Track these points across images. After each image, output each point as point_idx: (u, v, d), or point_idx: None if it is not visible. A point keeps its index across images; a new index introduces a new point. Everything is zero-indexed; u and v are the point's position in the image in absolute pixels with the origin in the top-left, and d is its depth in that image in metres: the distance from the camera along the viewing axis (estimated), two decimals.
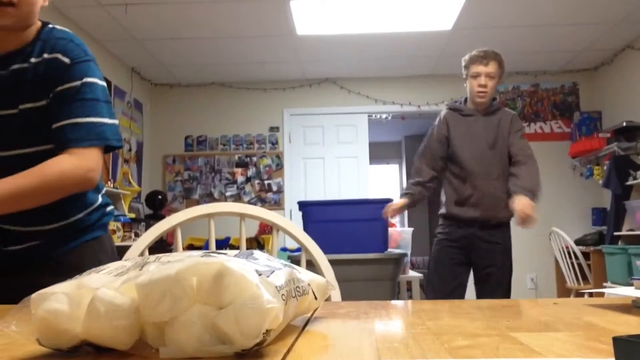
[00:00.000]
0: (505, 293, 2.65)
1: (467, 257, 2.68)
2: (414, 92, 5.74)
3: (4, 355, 0.53)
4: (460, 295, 2.69)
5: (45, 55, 1.21)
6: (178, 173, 5.78)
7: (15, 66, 1.21)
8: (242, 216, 1.31)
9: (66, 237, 1.31)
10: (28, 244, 1.28)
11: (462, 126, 2.70)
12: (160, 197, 5.26)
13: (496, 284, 2.64)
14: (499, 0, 4.01)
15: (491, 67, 2.62)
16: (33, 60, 1.21)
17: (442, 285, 2.68)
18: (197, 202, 5.65)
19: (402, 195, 2.74)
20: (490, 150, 2.64)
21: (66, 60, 1.21)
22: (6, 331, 0.50)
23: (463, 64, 2.73)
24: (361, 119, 5.76)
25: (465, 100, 2.78)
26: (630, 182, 4.46)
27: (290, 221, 1.36)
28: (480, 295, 2.69)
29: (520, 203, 2.40)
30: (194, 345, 0.48)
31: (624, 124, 4.68)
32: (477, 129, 2.67)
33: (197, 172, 5.77)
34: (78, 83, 1.20)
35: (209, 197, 5.71)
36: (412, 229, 3.54)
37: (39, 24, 1.26)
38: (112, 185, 4.22)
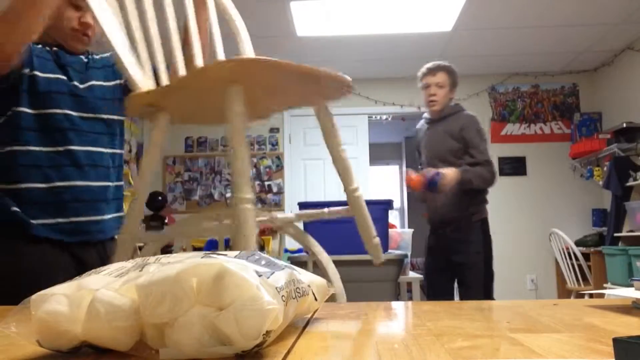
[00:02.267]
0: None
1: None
2: (414, 93, 5.71)
3: (3, 357, 0.53)
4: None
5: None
6: (178, 174, 5.78)
7: (94, 82, 1.50)
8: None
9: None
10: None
11: (421, 133, 3.02)
12: (160, 198, 5.26)
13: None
14: (499, 1, 4.01)
15: (439, 77, 2.83)
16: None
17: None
18: (197, 204, 5.65)
19: None
20: (438, 155, 2.84)
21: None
22: (6, 332, 0.50)
23: (418, 78, 2.95)
24: (361, 120, 5.76)
25: None
26: (630, 183, 4.46)
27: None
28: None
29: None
30: (194, 347, 0.48)
31: (624, 125, 4.68)
32: (431, 136, 2.92)
33: (198, 173, 5.77)
34: None
35: (209, 198, 5.71)
36: (412, 230, 3.54)
37: None
38: None
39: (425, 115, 3.04)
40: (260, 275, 0.51)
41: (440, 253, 2.88)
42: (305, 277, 0.66)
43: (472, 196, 2.77)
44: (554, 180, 5.50)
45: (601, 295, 3.14)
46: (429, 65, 2.90)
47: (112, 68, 1.52)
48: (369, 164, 5.82)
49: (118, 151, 1.52)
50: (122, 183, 1.53)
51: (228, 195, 5.73)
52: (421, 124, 3.07)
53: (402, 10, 4.16)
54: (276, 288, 0.51)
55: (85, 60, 1.49)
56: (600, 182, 5.01)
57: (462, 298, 2.83)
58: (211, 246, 4.42)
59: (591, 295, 3.96)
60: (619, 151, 4.71)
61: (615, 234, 4.54)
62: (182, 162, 5.80)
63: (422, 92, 2.93)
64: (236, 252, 0.58)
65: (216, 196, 5.72)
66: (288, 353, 0.52)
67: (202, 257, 0.52)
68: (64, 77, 1.40)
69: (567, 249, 4.66)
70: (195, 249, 4.87)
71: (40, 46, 1.39)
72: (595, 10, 4.19)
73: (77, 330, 0.49)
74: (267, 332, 0.48)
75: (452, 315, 0.79)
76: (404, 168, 8.63)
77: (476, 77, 5.65)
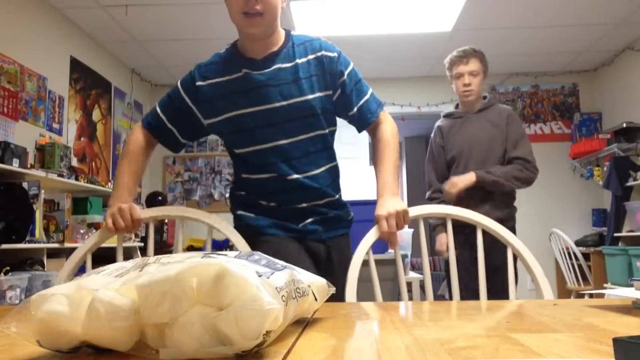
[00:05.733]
0: None
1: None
2: (414, 93, 5.74)
3: (4, 356, 0.53)
4: None
5: (311, 56, 1.46)
6: (178, 174, 5.78)
7: (281, 65, 1.44)
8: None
9: (332, 222, 1.53)
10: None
11: (455, 129, 2.70)
12: (160, 198, 5.26)
13: None
14: (499, 1, 4.01)
15: (472, 65, 2.61)
16: (298, 61, 1.45)
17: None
18: (197, 204, 5.65)
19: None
20: (485, 148, 2.60)
21: (333, 54, 1.49)
22: (6, 332, 0.50)
23: (446, 66, 2.71)
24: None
25: (457, 105, 2.79)
26: (630, 183, 4.46)
27: None
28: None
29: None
30: (193, 346, 0.48)
31: (624, 125, 4.68)
32: (470, 129, 2.64)
33: (197, 173, 5.77)
34: (350, 69, 1.53)
35: (209, 198, 5.71)
36: (412, 230, 3.53)
37: (281, 30, 1.49)
38: (112, 187, 4.22)
39: (453, 110, 2.77)
40: (260, 276, 0.51)
41: (470, 255, 2.51)
42: (305, 277, 0.66)
43: (508, 198, 2.60)
44: (554, 180, 5.50)
45: (601, 295, 3.14)
46: (458, 52, 2.65)
47: None
48: (369, 164, 5.81)
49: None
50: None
51: (228, 195, 5.72)
52: (446, 122, 2.76)
53: (402, 10, 4.16)
54: (276, 288, 0.51)
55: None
56: (600, 182, 5.01)
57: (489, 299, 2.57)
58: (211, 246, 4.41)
59: (591, 295, 3.96)
60: (619, 151, 4.71)
61: (615, 234, 4.54)
62: (182, 162, 5.80)
63: (452, 82, 2.68)
64: (236, 252, 0.58)
65: (216, 196, 5.72)
66: (288, 353, 0.52)
67: (202, 258, 0.52)
68: None
69: (567, 249, 4.66)
70: (195, 249, 4.87)
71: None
72: (595, 10, 4.19)
73: (77, 330, 0.49)
74: (267, 332, 0.48)
75: (451, 315, 0.79)
76: (405, 168, 8.63)
77: None
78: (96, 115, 4.64)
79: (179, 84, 1.54)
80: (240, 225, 1.49)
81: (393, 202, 1.43)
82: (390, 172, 1.51)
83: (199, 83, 1.48)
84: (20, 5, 3.58)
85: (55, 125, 3.94)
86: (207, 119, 1.49)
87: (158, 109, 1.56)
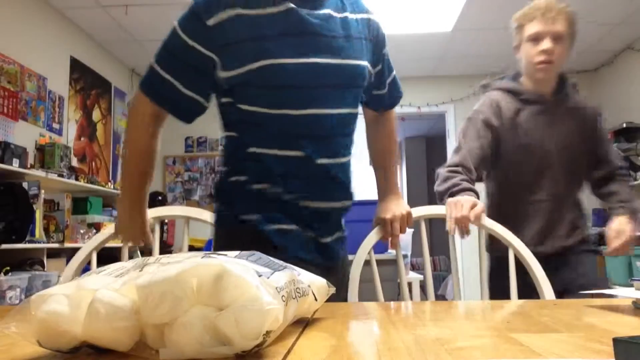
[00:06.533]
0: None
1: None
2: (414, 93, 5.74)
3: (4, 357, 0.53)
4: None
5: (360, 15, 1.19)
6: (178, 174, 5.78)
7: (332, 12, 1.12)
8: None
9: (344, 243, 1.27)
10: (336, 235, 1.21)
11: (524, 117, 1.73)
12: (160, 198, 5.26)
13: None
14: (499, 1, 4.01)
15: (559, 25, 1.64)
16: (349, 15, 1.15)
17: None
18: (197, 203, 5.65)
19: (461, 191, 1.60)
20: (575, 157, 1.76)
21: (378, 21, 1.24)
22: (6, 332, 0.50)
23: (514, 25, 1.75)
24: (361, 120, 5.74)
25: (517, 77, 1.81)
26: (630, 183, 4.46)
27: None
28: None
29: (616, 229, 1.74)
30: (193, 347, 0.48)
31: (624, 125, 4.68)
32: (556, 125, 1.73)
33: (197, 173, 5.77)
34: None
35: (209, 198, 5.71)
36: (412, 229, 3.53)
37: None
38: (112, 187, 4.22)
39: (520, 87, 1.76)
40: (260, 276, 0.51)
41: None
42: (305, 277, 0.66)
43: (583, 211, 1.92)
44: None
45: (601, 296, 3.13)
46: (540, 2, 1.67)
47: None
48: (369, 164, 5.81)
49: None
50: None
51: (213, 188, 5.71)
52: (509, 100, 1.75)
53: (403, 11, 4.16)
54: (276, 288, 0.51)
55: None
56: None
57: None
58: (211, 246, 4.42)
59: (591, 295, 3.95)
60: (619, 151, 4.71)
61: None
62: (182, 162, 5.80)
63: (521, 47, 1.73)
64: (236, 252, 0.58)
65: None
66: (288, 353, 0.52)
67: (202, 258, 0.52)
68: None
69: None
70: (195, 249, 4.87)
71: None
72: (595, 10, 4.19)
73: (77, 330, 0.49)
74: (267, 333, 0.48)
75: (452, 316, 0.79)
76: (404, 168, 8.63)
77: (476, 77, 5.64)
78: (96, 115, 4.64)
79: (180, 32, 1.16)
80: (249, 232, 1.10)
81: (397, 204, 1.37)
82: (394, 172, 1.44)
83: (210, 22, 1.09)
84: (20, 5, 3.58)
85: (55, 125, 3.94)
86: (229, 70, 1.08)
87: (165, 74, 1.13)
